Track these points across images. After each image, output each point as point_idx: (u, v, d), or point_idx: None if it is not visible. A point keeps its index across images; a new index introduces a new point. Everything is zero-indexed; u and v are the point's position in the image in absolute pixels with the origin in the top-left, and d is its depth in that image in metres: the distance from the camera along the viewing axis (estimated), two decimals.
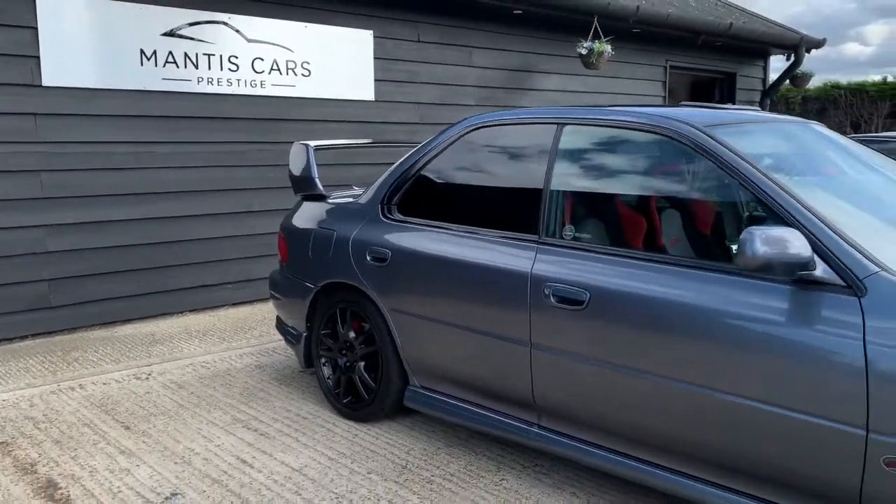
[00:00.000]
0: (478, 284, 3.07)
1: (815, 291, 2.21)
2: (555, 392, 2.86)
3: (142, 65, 5.65)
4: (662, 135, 2.71)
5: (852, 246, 2.19)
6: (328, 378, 3.86)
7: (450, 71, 7.63)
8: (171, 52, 5.78)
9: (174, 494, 2.97)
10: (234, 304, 6.24)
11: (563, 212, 2.94)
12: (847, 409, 2.10)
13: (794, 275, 2.21)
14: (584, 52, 8.12)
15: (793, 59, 11.27)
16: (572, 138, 3.00)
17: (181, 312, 5.96)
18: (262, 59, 6.28)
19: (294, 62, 6.48)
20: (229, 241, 6.16)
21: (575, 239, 2.88)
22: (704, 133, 2.61)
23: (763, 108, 11.33)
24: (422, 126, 7.32)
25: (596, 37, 8.15)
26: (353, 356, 3.71)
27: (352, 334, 3.71)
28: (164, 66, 5.76)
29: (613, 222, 2.92)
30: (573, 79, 8.87)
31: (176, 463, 3.26)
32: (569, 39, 8.39)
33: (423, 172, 3.55)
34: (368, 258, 3.54)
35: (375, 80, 7.05)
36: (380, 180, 3.75)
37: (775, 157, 2.69)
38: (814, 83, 35.29)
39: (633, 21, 8.52)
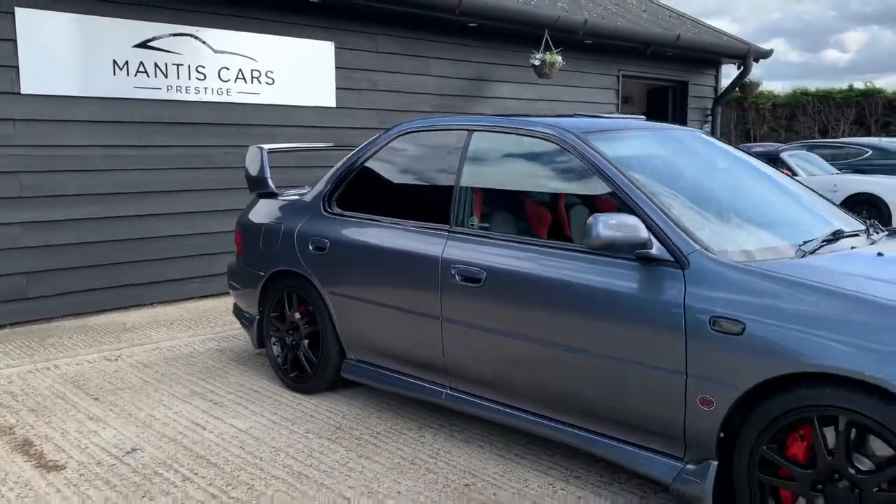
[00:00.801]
0: (400, 268, 3.57)
1: (654, 266, 2.72)
2: (460, 358, 3.36)
3: (114, 74, 6.10)
4: (549, 140, 3.23)
5: (682, 229, 2.71)
6: (277, 356, 4.34)
7: (408, 80, 8.13)
8: (142, 63, 6.23)
9: (134, 450, 3.44)
10: (201, 297, 6.68)
11: (470, 205, 3.45)
12: (673, 359, 2.61)
13: (634, 253, 2.72)
14: (536, 62, 8.65)
15: (742, 68, 11.87)
16: (478, 143, 3.51)
17: (151, 304, 6.41)
18: (228, 69, 6.75)
19: (259, 71, 6.96)
20: (196, 238, 6.61)
21: (478, 228, 3.39)
22: (580, 139, 3.13)
23: (714, 115, 11.97)
24: (380, 131, 7.79)
25: (547, 48, 8.68)
26: (298, 335, 4.20)
27: (297, 316, 4.19)
28: (136, 75, 6.22)
29: (508, 213, 3.43)
30: (528, 87, 9.39)
31: (137, 426, 3.72)
32: (523, 50, 8.90)
33: (358, 172, 4.04)
34: (310, 248, 4.03)
35: (336, 87, 7.53)
36: (323, 179, 4.24)
37: (639, 158, 3.20)
38: (784, 90, 35.69)
39: (582, 33, 9.07)
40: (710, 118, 12.39)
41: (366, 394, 4.16)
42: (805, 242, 2.82)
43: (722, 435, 2.54)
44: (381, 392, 4.11)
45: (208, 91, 6.65)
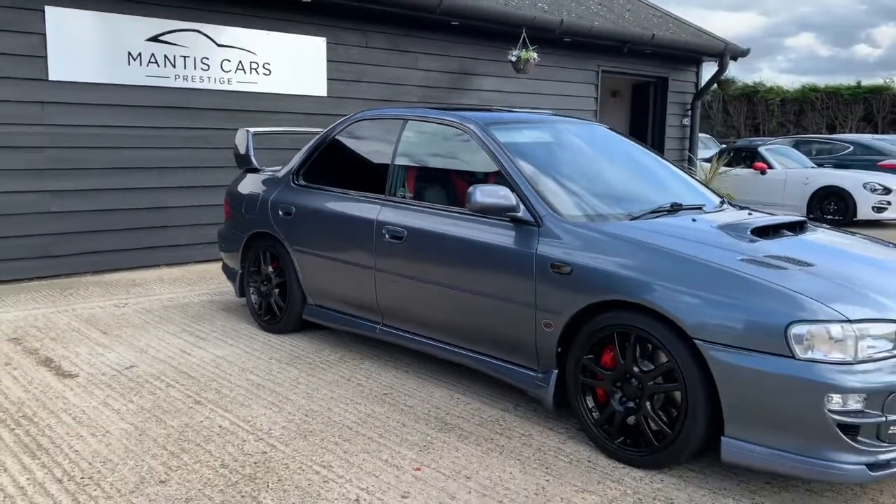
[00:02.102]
0: (347, 229, 4.46)
1: (521, 226, 3.58)
2: (388, 300, 4.25)
3: (129, 64, 7.03)
4: (459, 128, 4.09)
5: (541, 198, 3.57)
6: (255, 303, 5.25)
7: (395, 72, 8.99)
8: (153, 54, 7.16)
9: (131, 366, 4.37)
10: (203, 261, 7.62)
11: (401, 179, 4.33)
12: (528, 295, 3.48)
13: (505, 215, 3.59)
14: (513, 59, 9.48)
15: (719, 66, 12.60)
16: (410, 130, 4.38)
17: (159, 265, 7.36)
18: (230, 61, 7.65)
19: (257, 63, 7.86)
20: (199, 209, 7.54)
21: (403, 197, 4.26)
22: (482, 128, 3.99)
23: (694, 109, 12.70)
24: None
25: (524, 46, 9.50)
26: (270, 286, 5.11)
27: (270, 269, 5.10)
28: (148, 65, 7.14)
29: (426, 185, 4.30)
30: (510, 81, 10.20)
31: (136, 351, 4.65)
32: (504, 47, 9.70)
33: (320, 152, 4.93)
34: (280, 213, 4.93)
35: (328, 78, 8.42)
36: (295, 157, 5.14)
37: (526, 145, 4.05)
38: (793, 86, 35.96)
39: (558, 32, 9.87)
40: (689, 112, 13.12)
41: (325, 334, 5.06)
42: (639, 211, 3.67)
43: (559, 350, 3.41)
44: (337, 332, 5.01)
45: (211, 80, 7.56)
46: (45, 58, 6.57)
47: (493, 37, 9.72)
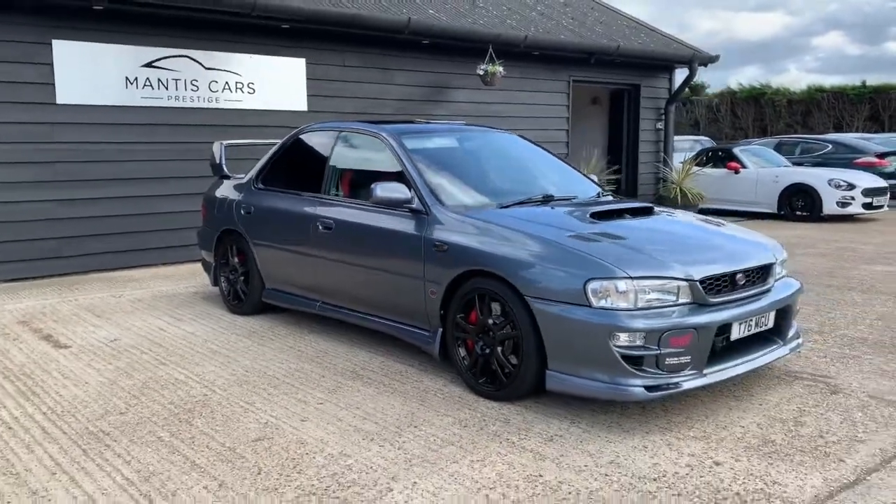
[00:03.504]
0: (292, 223, 5.35)
1: (416, 215, 4.45)
2: (323, 281, 5.13)
3: (126, 88, 8.02)
4: (377, 137, 4.97)
5: (431, 192, 4.43)
6: (225, 290, 6.17)
7: (371, 88, 9.91)
8: (147, 78, 8.15)
9: (115, 339, 5.29)
10: (194, 261, 8.54)
11: (334, 179, 5.21)
12: (418, 271, 4.34)
13: (402, 207, 4.45)
14: (481, 72, 10.35)
15: (689, 72, 13.36)
16: (342, 140, 5.28)
17: (155, 265, 8.32)
18: (217, 82, 8.62)
19: (241, 83, 8.82)
20: (189, 214, 8.47)
21: (335, 195, 5.15)
22: (393, 137, 4.86)
23: (668, 113, 13.45)
24: None
25: (491, 60, 10.37)
26: (236, 274, 6.02)
27: (236, 261, 6.02)
28: (143, 88, 8.13)
29: (352, 184, 5.18)
30: (484, 93, 11.05)
31: (121, 329, 5.58)
32: (476, 62, 10.54)
33: (275, 159, 5.84)
34: (242, 212, 5.84)
35: (308, 95, 9.36)
36: (257, 164, 6.05)
37: (430, 150, 4.90)
38: (799, 87, 36.35)
39: (523, 46, 10.73)
40: (663, 116, 13.88)
41: (282, 315, 5.95)
42: (510, 201, 4.51)
43: (442, 312, 4.26)
44: (292, 312, 5.90)
45: (200, 99, 8.53)
46: (53, 84, 7.58)
47: (465, 52, 10.58)
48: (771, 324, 4.01)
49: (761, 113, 33.50)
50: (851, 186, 12.81)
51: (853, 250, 9.38)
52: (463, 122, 5.86)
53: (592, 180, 5.45)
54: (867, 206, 12.84)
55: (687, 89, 13.80)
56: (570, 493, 2.96)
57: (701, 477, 3.10)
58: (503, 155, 5.34)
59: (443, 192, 4.50)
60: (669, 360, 3.54)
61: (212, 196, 6.38)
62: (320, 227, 5.07)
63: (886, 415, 3.78)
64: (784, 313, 4.11)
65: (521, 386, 3.83)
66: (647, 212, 4.57)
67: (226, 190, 6.22)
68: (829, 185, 12.88)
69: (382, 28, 9.28)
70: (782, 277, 4.34)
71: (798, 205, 13.21)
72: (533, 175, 5.20)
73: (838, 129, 30.30)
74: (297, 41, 9.14)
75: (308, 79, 9.33)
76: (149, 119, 8.19)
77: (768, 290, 4.08)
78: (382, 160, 4.93)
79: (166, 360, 4.79)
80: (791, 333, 4.23)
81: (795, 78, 74.50)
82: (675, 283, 3.63)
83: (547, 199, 4.68)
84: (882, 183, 13.28)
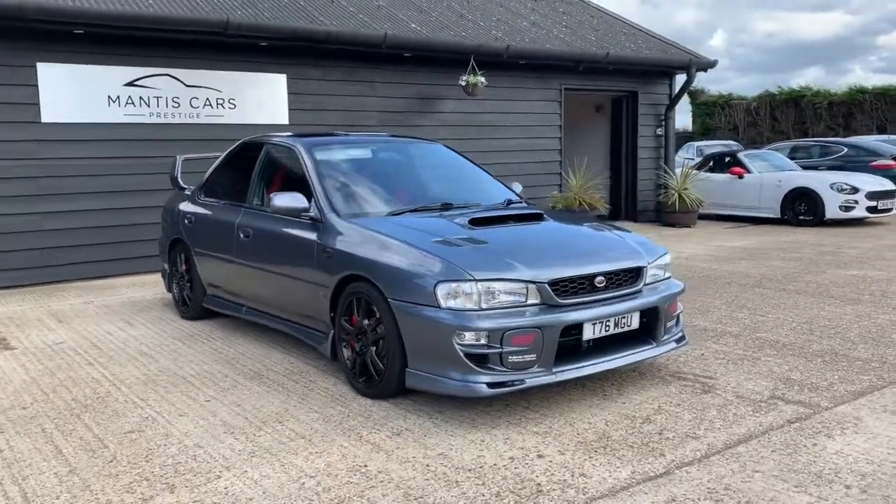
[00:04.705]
0: (220, 232, 5.65)
1: (314, 223, 4.69)
2: (245, 286, 5.41)
3: (109, 106, 8.48)
4: (291, 149, 5.24)
5: (327, 202, 4.67)
6: (175, 296, 6.51)
7: (353, 100, 10.21)
8: (130, 97, 8.60)
9: (60, 343, 5.66)
10: None
11: (256, 190, 5.49)
12: (314, 276, 4.57)
13: (300, 216, 4.70)
14: (463, 83, 10.57)
15: (687, 78, 13.33)
16: (266, 152, 5.56)
17: (136, 273, 8.74)
18: (198, 98, 9.03)
19: (223, 99, 9.22)
20: None
21: (258, 204, 5.43)
22: (304, 148, 5.12)
23: (668, 119, 13.44)
24: None
25: (473, 71, 10.57)
26: (183, 281, 6.35)
27: (184, 268, 6.35)
28: (125, 105, 8.58)
29: (268, 194, 5.45)
30: (471, 103, 11.24)
31: (73, 333, 5.95)
32: (461, 72, 10.76)
33: (215, 171, 6.16)
34: (186, 222, 6.18)
35: (290, 109, 9.71)
36: (203, 177, 6.38)
37: (337, 161, 5.14)
38: (840, 88, 35.70)
39: (506, 56, 10.91)
40: (663, 122, 13.85)
41: (226, 320, 6.25)
42: (400, 209, 4.72)
43: (332, 315, 4.48)
44: (235, 318, 6.20)
45: (182, 115, 8.95)
46: (37, 104, 8.08)
47: (449, 63, 10.79)
48: (635, 325, 4.12)
49: (801, 116, 32.86)
50: (855, 190, 12.58)
51: (835, 254, 9.27)
52: (388, 135, 6.12)
53: (512, 189, 5.60)
54: (872, 209, 12.59)
55: (709, 92, 13.69)
56: (382, 481, 3.15)
57: (515, 469, 3.25)
58: (419, 165, 5.54)
59: (339, 200, 4.73)
60: (513, 358, 3.70)
61: (166, 207, 6.74)
62: (241, 235, 5.36)
63: (740, 414, 3.86)
64: (652, 315, 4.21)
65: (390, 384, 4.03)
66: (533, 218, 4.71)
67: (177, 201, 6.57)
68: (832, 188, 12.67)
69: (359, 43, 9.58)
70: (663, 280, 4.45)
71: (801, 209, 13.03)
72: (442, 184, 5.39)
73: (882, 130, 29.52)
74: (277, 58, 9.50)
75: (290, 93, 9.68)
76: (131, 135, 8.63)
77: (636, 293, 4.19)
78: (297, 171, 5.19)
79: (94, 361, 5.12)
80: (666, 335, 4.32)
81: (861, 78, 72.04)
82: (523, 284, 3.79)
83: (445, 207, 4.86)
84: (889, 186, 13.00)
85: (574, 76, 12.33)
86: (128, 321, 6.34)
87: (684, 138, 33.06)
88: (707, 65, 13.45)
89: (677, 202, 12.98)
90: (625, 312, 4.04)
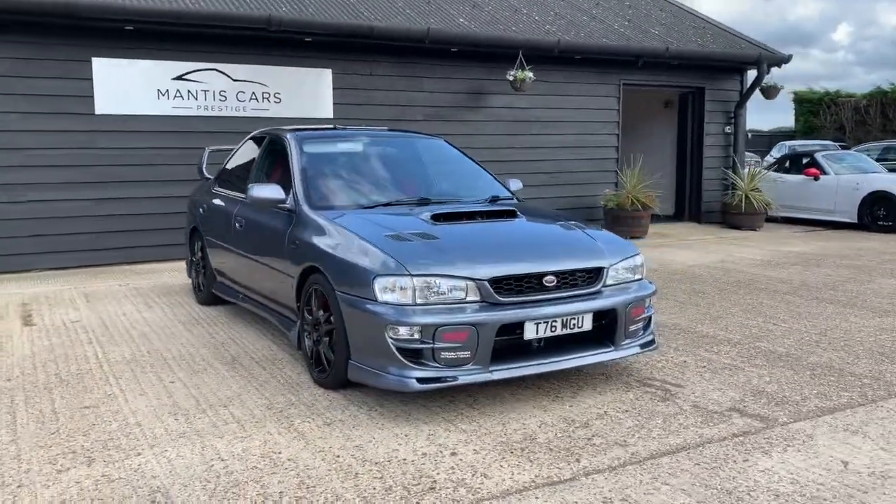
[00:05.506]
0: (224, 221, 5.85)
1: (289, 214, 4.79)
2: (240, 273, 5.58)
3: (158, 99, 8.90)
4: (283, 141, 5.36)
5: (302, 193, 4.75)
6: (193, 281, 6.78)
7: (400, 95, 10.31)
8: (178, 90, 8.99)
9: (76, 321, 6.00)
10: None
11: (253, 180, 5.65)
12: (286, 265, 4.67)
13: (278, 206, 4.81)
14: (510, 78, 10.48)
15: (757, 74, 12.72)
16: (267, 143, 5.70)
17: (178, 259, 9.12)
18: (244, 92, 9.35)
19: (268, 93, 9.50)
20: None
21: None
22: (294, 141, 5.23)
23: (738, 117, 12.92)
24: None
25: (521, 66, 10.46)
26: (199, 268, 6.61)
27: (199, 256, 6.60)
28: (174, 98, 8.98)
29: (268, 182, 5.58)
30: (521, 98, 11.11)
31: (92, 313, 6.30)
32: (509, 67, 10.66)
33: (228, 161, 6.37)
34: (200, 211, 6.42)
35: (334, 103, 9.90)
36: (219, 168, 6.61)
37: (325, 154, 5.22)
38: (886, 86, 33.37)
39: (557, 51, 10.73)
40: (732, 120, 13.28)
41: (234, 307, 6.46)
42: (371, 203, 4.74)
43: (298, 304, 4.57)
44: (226, 300, 6.40)
45: (228, 109, 9.29)
46: (92, 97, 8.56)
47: (497, 58, 10.71)
48: (587, 327, 4.00)
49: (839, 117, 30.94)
50: None
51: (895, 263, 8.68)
52: (386, 129, 6.16)
53: (507, 187, 5.52)
54: None
55: (778, 88, 12.80)
56: (286, 469, 3.20)
57: (421, 465, 3.23)
58: (411, 160, 5.56)
59: (314, 193, 4.81)
60: (445, 355, 3.67)
61: (190, 197, 7.02)
62: (237, 225, 5.53)
63: (684, 425, 3.69)
64: (607, 317, 4.08)
65: (338, 375, 4.07)
66: (504, 215, 4.64)
67: (197, 191, 6.84)
68: None
69: (402, 38, 9.66)
70: (631, 281, 4.30)
71: (880, 214, 12.24)
72: (428, 180, 5.38)
73: None
74: (322, 52, 9.70)
75: (335, 88, 9.87)
76: (179, 127, 9.02)
77: (593, 294, 4.07)
78: (286, 163, 5.30)
79: (95, 340, 5.41)
80: (628, 339, 4.18)
81: None
82: (462, 281, 3.75)
83: (422, 202, 4.85)
84: None
85: (633, 71, 12.00)
86: (147, 304, 6.65)
87: (783, 137, 31.59)
88: (780, 59, 12.81)
89: (743, 203, 12.42)
90: (574, 313, 3.93)
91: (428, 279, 3.72)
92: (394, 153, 5.56)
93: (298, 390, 4.24)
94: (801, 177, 13.31)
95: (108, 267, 8.68)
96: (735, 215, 12.61)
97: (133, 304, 6.61)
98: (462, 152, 5.83)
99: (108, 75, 8.61)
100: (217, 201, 6.14)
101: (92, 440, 3.53)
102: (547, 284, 3.93)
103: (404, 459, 3.29)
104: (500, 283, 3.81)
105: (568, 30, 11.34)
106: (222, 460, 3.29)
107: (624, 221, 11.29)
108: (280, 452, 3.37)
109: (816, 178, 13.06)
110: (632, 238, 11.16)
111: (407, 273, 3.71)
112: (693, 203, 13.48)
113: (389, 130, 5.99)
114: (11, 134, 8.21)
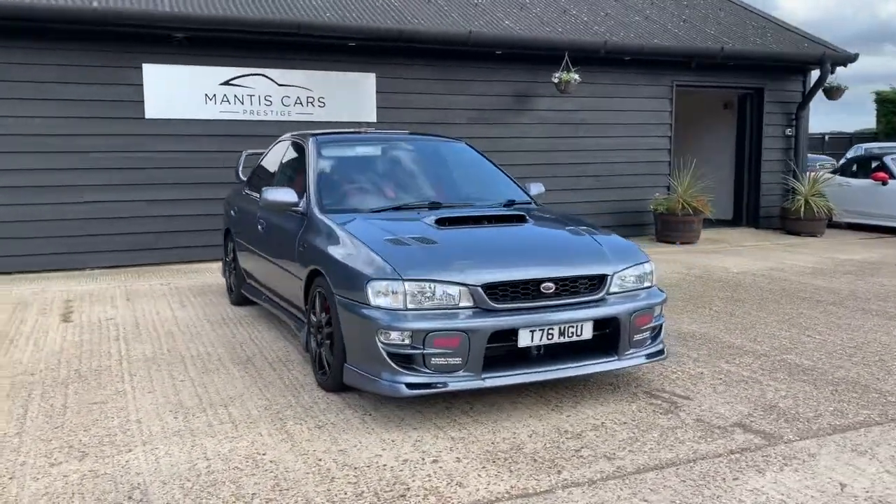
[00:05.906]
0: (250, 223, 5.96)
1: (302, 217, 4.84)
2: (263, 275, 5.68)
3: (206, 103, 9.15)
4: (303, 143, 5.42)
5: (315, 197, 4.80)
6: (226, 282, 6.93)
7: (442, 99, 10.31)
8: (225, 95, 9.22)
9: (111, 319, 6.21)
10: None
11: (279, 183, 5.73)
12: (298, 267, 4.72)
13: (292, 209, 4.86)
14: (556, 80, 10.36)
15: (820, 74, 12.21)
16: (291, 147, 5.79)
17: None
18: (289, 97, 9.52)
19: (313, 98, 9.65)
20: None
21: None
22: (314, 144, 5.28)
23: (799, 119, 12.47)
24: None
25: (566, 68, 10.33)
26: (231, 269, 6.75)
27: (231, 257, 6.75)
28: (221, 103, 9.22)
29: (287, 185, 5.65)
30: (567, 100, 10.96)
31: (128, 311, 6.51)
32: (555, 70, 10.54)
33: (258, 165, 6.49)
34: (232, 213, 6.57)
35: (378, 107, 9.98)
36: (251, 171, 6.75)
37: (343, 157, 5.25)
38: None
39: (604, 52, 10.55)
40: (794, 122, 12.79)
41: (257, 308, 6.57)
42: (382, 207, 4.75)
43: (306, 306, 4.61)
44: (251, 300, 6.51)
45: (273, 113, 9.47)
46: (142, 102, 8.87)
47: (543, 60, 10.59)
48: (587, 335, 3.90)
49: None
50: None
51: None
52: (408, 132, 6.16)
53: (526, 191, 5.44)
54: None
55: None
56: (266, 470, 3.23)
57: (399, 471, 3.21)
58: (429, 164, 5.54)
59: (328, 196, 4.85)
60: (436, 361, 3.64)
61: (226, 199, 7.19)
62: (259, 227, 5.62)
63: (681, 439, 3.56)
64: (610, 325, 3.97)
65: (336, 378, 4.09)
66: (513, 220, 4.57)
67: (233, 192, 6.99)
68: None
69: (444, 42, 9.67)
70: (639, 289, 4.18)
71: None
72: (444, 184, 5.35)
73: None
74: (366, 57, 9.79)
75: (378, 92, 9.95)
76: (226, 131, 9.25)
77: (597, 301, 3.97)
78: (304, 166, 5.37)
79: (122, 337, 5.59)
80: (633, 348, 4.06)
81: None
82: (455, 287, 3.71)
83: (434, 206, 4.83)
84: None
85: (687, 72, 11.70)
86: (182, 303, 6.83)
87: (863, 139, 30.24)
88: (845, 59, 12.27)
89: (802, 208, 11.96)
90: (572, 321, 3.84)
91: (421, 284, 3.69)
92: (412, 157, 5.56)
93: (300, 392, 4.28)
94: (867, 181, 12.72)
95: (156, 266, 8.95)
96: (794, 221, 12.15)
97: (168, 303, 6.80)
98: (483, 156, 5.78)
99: (158, 80, 8.89)
100: (245, 204, 6.27)
101: (91, 435, 3.64)
102: (545, 291, 3.85)
103: (384, 465, 3.28)
104: (494, 290, 3.76)
105: (617, 31, 11.14)
106: (207, 459, 3.34)
107: (674, 227, 11.02)
108: (265, 454, 3.41)
109: (884, 183, 12.45)
110: (682, 244, 10.89)
111: (399, 277, 3.70)
112: (751, 208, 13.04)
113: (411, 134, 5.99)
114: (68, 138, 8.56)
